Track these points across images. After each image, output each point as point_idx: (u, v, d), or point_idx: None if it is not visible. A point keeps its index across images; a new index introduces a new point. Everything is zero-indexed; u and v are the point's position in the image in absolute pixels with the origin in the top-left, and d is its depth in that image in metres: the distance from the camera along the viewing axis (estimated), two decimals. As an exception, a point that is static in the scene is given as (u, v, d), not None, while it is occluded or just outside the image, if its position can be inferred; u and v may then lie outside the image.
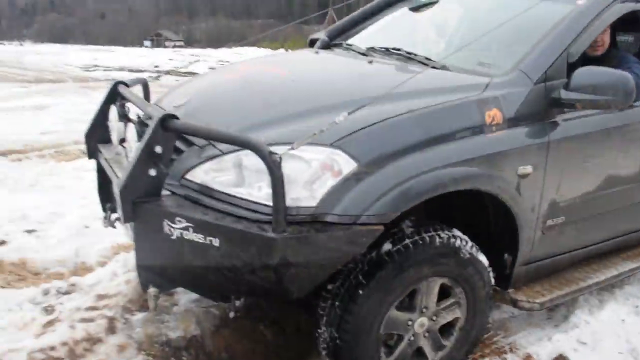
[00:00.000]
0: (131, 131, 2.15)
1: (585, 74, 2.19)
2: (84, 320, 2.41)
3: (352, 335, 1.95)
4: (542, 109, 2.22)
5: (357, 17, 3.21)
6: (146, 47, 62.60)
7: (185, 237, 1.77)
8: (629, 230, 2.87)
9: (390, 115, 1.91)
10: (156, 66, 21.48)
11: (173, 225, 1.77)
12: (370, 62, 2.54)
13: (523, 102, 2.16)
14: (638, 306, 2.84)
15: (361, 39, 3.02)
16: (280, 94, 2.25)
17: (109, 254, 3.41)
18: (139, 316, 2.48)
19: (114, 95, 2.44)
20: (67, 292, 2.80)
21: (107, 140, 2.52)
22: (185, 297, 2.68)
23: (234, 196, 1.81)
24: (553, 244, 2.43)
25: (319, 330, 2.03)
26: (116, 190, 1.93)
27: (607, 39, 2.78)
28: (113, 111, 2.46)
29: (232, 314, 2.62)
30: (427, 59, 2.48)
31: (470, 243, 2.09)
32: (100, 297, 2.63)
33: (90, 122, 2.54)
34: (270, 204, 1.69)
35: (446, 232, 2.04)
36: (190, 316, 2.56)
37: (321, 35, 3.17)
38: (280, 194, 1.65)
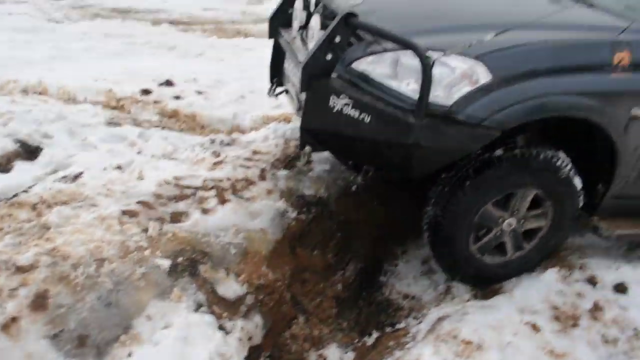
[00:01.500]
0: (315, 20, 2.56)
1: None
2: (242, 166, 3.06)
3: (452, 216, 2.42)
4: None
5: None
6: None
7: (344, 111, 2.25)
8: None
9: (530, 41, 2.21)
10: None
11: (337, 100, 2.26)
12: None
13: None
14: None
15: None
16: (438, 8, 2.58)
17: (260, 121, 4.08)
18: (283, 172, 3.07)
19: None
20: (229, 144, 3.48)
21: (287, 25, 3.03)
22: (319, 167, 3.24)
23: (387, 86, 2.23)
24: (647, 186, 2.67)
25: (426, 209, 2.52)
26: (297, 66, 2.46)
27: None
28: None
29: (354, 187, 3.22)
30: None
31: (570, 166, 2.42)
32: (255, 152, 3.26)
33: (275, 7, 3.05)
34: (414, 97, 2.12)
35: (552, 151, 2.39)
36: (321, 182, 3.13)
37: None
38: (427, 90, 2.06)
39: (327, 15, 2.54)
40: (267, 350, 2.41)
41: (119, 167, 2.97)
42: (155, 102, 4.02)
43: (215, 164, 3.09)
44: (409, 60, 2.15)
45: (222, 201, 2.71)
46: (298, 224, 2.85)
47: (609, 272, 2.67)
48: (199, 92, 4.35)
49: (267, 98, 4.19)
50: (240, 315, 2.31)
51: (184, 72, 4.66)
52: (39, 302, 1.94)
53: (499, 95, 2.16)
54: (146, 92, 4.20)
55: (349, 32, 2.30)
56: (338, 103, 2.27)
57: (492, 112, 2.16)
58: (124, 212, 2.46)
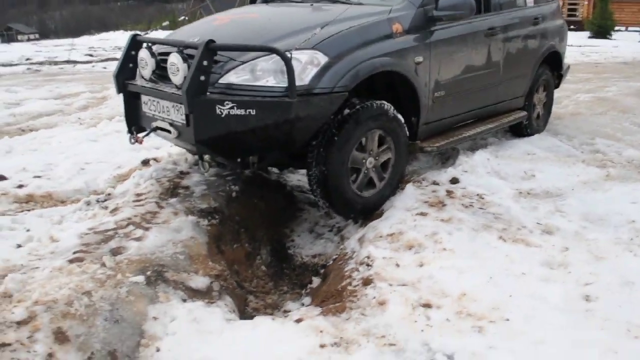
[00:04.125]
0: (175, 56, 2.99)
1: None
2: (137, 206, 3.37)
3: (333, 167, 3.16)
4: (424, 23, 3.54)
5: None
6: (-5, 43, 57.46)
7: (231, 113, 2.85)
8: (485, 105, 4.36)
9: (343, 29, 3.11)
10: (27, 59, 20.69)
11: (222, 107, 2.84)
12: (311, 5, 3.73)
13: (412, 19, 3.49)
14: (498, 153, 4.39)
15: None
16: (266, 26, 3.33)
17: (114, 181, 4.30)
18: (173, 199, 3.47)
19: (136, 43, 3.41)
20: (106, 200, 3.72)
21: (132, 78, 3.48)
22: (198, 188, 3.71)
23: (254, 85, 2.91)
24: (440, 110, 3.81)
25: (311, 172, 3.21)
26: (171, 97, 2.98)
27: None
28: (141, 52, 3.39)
29: (234, 194, 3.76)
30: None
31: (393, 108, 3.37)
32: (138, 194, 3.57)
33: (118, 65, 3.46)
34: (278, 86, 2.84)
35: (378, 101, 3.30)
36: (207, 197, 3.59)
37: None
38: (292, 77, 2.78)
39: (185, 51, 3.04)
40: (243, 322, 2.82)
41: (19, 246, 3.06)
42: (2, 194, 3.97)
43: (112, 211, 3.34)
44: (264, 64, 2.89)
45: (145, 229, 3.03)
46: (213, 229, 3.29)
47: (441, 175, 3.72)
48: (38, 177, 4.36)
49: (106, 165, 4.52)
50: (217, 298, 2.69)
51: (7, 167, 4.56)
52: (61, 337, 2.11)
53: (337, 69, 3.01)
54: (-17, 192, 4.08)
55: (211, 55, 2.90)
56: (224, 109, 2.85)
57: (336, 81, 2.99)
58: (71, 261, 2.64)
